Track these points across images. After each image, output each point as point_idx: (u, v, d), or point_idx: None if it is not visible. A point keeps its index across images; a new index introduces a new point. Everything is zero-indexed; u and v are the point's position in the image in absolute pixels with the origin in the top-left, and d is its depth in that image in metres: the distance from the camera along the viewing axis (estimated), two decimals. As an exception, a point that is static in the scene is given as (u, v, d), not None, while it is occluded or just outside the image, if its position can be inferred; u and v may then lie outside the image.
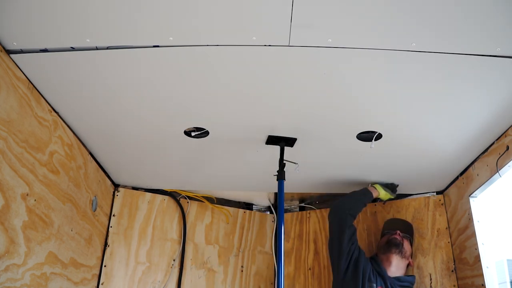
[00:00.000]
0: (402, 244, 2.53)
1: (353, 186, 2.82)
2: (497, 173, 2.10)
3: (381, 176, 2.62)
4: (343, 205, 2.47)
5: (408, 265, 2.58)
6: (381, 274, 2.43)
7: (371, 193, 2.57)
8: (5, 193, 1.61)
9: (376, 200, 2.71)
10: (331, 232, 2.47)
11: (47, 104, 1.90)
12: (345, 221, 2.41)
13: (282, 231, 2.08)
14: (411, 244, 2.64)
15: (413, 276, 2.57)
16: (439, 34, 1.49)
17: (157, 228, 2.81)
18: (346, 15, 1.42)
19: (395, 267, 2.48)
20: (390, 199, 2.71)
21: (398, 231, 2.59)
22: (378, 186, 2.61)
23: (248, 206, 3.20)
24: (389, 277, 2.43)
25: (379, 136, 2.13)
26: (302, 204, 3.23)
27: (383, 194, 2.61)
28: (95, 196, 2.43)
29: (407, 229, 2.67)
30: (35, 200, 1.82)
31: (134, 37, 1.54)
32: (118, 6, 1.40)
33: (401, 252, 2.50)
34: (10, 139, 1.63)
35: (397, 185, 2.67)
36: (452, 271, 2.61)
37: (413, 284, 2.50)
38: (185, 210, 2.92)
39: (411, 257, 2.61)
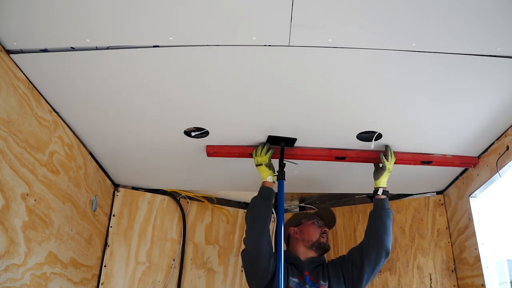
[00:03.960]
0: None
1: (353, 186, 2.82)
2: (497, 173, 2.10)
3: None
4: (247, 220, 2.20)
5: None
6: (296, 264, 2.23)
7: (268, 188, 2.18)
8: (5, 193, 1.61)
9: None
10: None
11: (47, 104, 1.90)
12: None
13: (282, 231, 2.08)
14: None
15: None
16: (439, 34, 1.49)
17: (157, 228, 2.81)
18: (346, 15, 1.42)
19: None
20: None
21: (326, 229, 2.37)
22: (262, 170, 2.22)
23: (248, 206, 3.19)
24: (304, 262, 2.24)
25: (379, 136, 2.13)
26: (302, 204, 3.24)
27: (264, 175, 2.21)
28: (95, 196, 2.43)
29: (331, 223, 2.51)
30: (35, 200, 1.81)
31: (134, 37, 1.54)
32: (118, 6, 1.40)
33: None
34: (10, 139, 1.63)
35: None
36: (452, 271, 2.61)
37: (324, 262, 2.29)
38: (185, 210, 2.92)
39: None
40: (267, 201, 2.16)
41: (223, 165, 2.46)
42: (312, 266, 2.22)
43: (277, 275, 2.02)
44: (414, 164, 2.35)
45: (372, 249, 2.14)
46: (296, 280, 2.14)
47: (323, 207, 3.14)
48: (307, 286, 2.12)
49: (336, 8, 1.39)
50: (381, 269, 2.79)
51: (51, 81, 1.78)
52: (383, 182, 2.26)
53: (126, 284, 2.62)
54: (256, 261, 2.10)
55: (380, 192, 2.24)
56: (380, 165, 2.25)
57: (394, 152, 2.25)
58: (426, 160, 2.31)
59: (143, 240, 2.74)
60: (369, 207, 2.96)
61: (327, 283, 2.13)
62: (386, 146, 2.22)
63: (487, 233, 2.37)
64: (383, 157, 2.22)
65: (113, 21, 1.47)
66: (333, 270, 2.19)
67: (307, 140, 2.21)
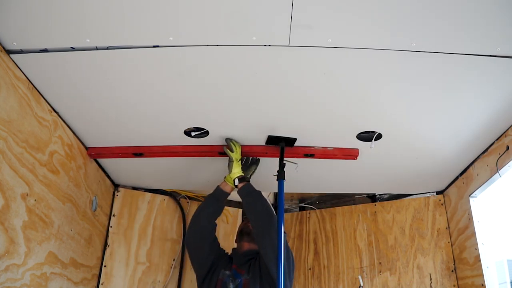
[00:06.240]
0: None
1: (353, 186, 2.82)
2: (497, 173, 2.10)
3: (381, 176, 2.63)
4: (196, 214, 2.37)
5: None
6: (232, 257, 2.35)
7: (220, 189, 2.33)
8: (5, 193, 1.61)
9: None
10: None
11: (47, 104, 1.90)
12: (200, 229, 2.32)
13: (282, 231, 2.08)
14: None
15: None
16: (439, 34, 1.49)
17: (157, 228, 2.81)
18: (346, 15, 1.42)
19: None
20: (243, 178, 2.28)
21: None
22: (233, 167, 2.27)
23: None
24: (238, 255, 2.34)
25: (379, 136, 2.13)
26: (302, 204, 3.24)
27: (232, 174, 2.26)
28: (95, 196, 2.43)
29: None
30: (35, 200, 1.81)
31: (134, 37, 1.54)
32: (118, 6, 1.40)
33: (253, 240, 2.34)
34: (10, 139, 1.63)
35: (256, 160, 2.38)
36: (452, 271, 2.61)
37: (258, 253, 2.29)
38: (185, 210, 2.92)
39: None
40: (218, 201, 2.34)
41: (223, 165, 2.46)
42: (244, 259, 2.29)
43: (277, 275, 2.01)
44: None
45: (262, 237, 2.13)
46: (227, 272, 2.25)
47: (323, 207, 3.16)
48: (231, 278, 2.21)
49: (336, 8, 1.39)
50: (380, 269, 2.80)
51: (51, 81, 1.78)
52: (236, 172, 2.26)
53: (126, 284, 2.62)
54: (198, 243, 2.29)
55: (237, 182, 2.25)
56: (228, 158, 2.27)
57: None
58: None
59: (143, 240, 2.74)
60: (369, 207, 2.98)
61: (249, 276, 2.19)
62: (227, 139, 2.23)
63: (487, 233, 2.37)
64: (228, 150, 2.23)
65: (113, 21, 1.47)
66: (256, 263, 2.24)
67: (307, 140, 2.21)
